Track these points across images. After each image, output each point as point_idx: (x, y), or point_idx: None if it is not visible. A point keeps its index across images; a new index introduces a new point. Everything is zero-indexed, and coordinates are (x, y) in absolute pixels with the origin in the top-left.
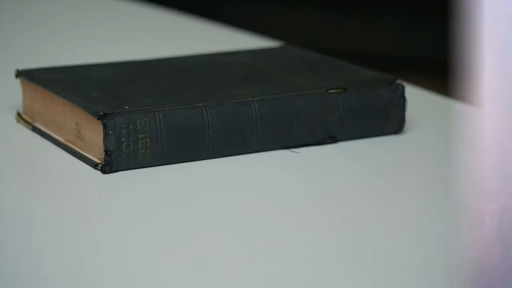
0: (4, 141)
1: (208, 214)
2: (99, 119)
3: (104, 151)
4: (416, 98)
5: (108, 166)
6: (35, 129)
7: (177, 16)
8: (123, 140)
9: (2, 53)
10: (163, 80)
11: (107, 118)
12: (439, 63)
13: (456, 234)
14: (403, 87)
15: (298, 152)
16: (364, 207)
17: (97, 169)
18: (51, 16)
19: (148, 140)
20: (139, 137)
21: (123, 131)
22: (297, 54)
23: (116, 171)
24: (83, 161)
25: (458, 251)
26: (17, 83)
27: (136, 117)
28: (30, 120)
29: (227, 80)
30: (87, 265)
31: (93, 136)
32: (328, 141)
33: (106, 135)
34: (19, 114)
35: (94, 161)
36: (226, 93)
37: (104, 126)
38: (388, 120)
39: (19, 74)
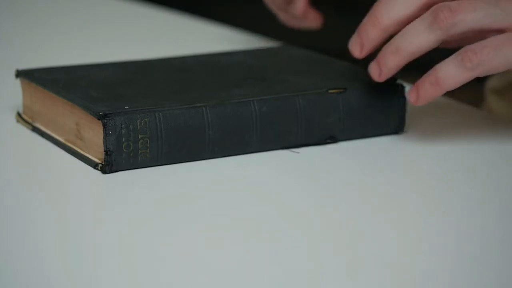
0: (4, 141)
1: (208, 214)
2: (99, 119)
3: (104, 151)
4: None
5: (108, 166)
6: (35, 129)
7: (177, 16)
8: (123, 140)
9: (2, 53)
10: (163, 80)
11: (107, 118)
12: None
13: None
14: (403, 87)
15: (298, 152)
16: (364, 207)
17: (97, 169)
18: (51, 16)
19: (148, 140)
20: (139, 137)
21: (123, 131)
22: (297, 54)
23: (116, 171)
24: (83, 161)
25: None
26: (17, 83)
27: (136, 117)
28: (30, 120)
29: (227, 80)
30: (87, 265)
31: (93, 136)
32: (328, 141)
33: (106, 135)
34: (19, 114)
35: (94, 161)
36: (226, 93)
37: (104, 126)
38: (388, 120)
39: (19, 74)
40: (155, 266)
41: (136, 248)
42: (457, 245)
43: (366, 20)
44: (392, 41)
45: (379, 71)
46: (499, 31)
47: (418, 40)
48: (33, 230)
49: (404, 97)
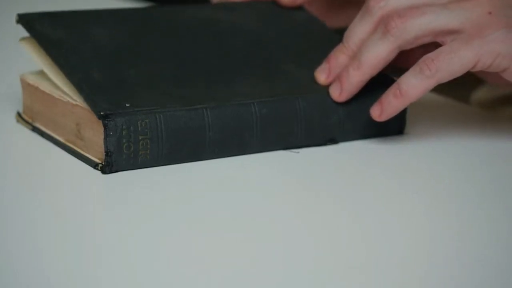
0: (4, 141)
1: (209, 215)
2: (99, 119)
3: (105, 152)
4: None
5: (108, 166)
6: (35, 129)
7: None
8: (124, 141)
9: (2, 53)
10: (165, 63)
11: (108, 119)
12: None
13: None
14: None
15: (298, 152)
16: (364, 208)
17: (97, 169)
18: None
19: (148, 141)
20: (140, 138)
21: (123, 132)
22: (300, 18)
23: (116, 171)
24: (83, 161)
25: None
26: (17, 82)
27: (137, 118)
28: (30, 120)
29: (227, 65)
30: (87, 265)
31: (93, 136)
32: (329, 143)
33: (106, 136)
34: (19, 114)
35: (94, 161)
36: (227, 92)
37: (105, 127)
38: (389, 121)
39: (20, 19)
40: (155, 266)
41: (136, 248)
42: (458, 245)
43: (336, 48)
44: (353, 58)
45: (340, 90)
46: (453, 33)
47: (375, 50)
48: (33, 230)
49: None
